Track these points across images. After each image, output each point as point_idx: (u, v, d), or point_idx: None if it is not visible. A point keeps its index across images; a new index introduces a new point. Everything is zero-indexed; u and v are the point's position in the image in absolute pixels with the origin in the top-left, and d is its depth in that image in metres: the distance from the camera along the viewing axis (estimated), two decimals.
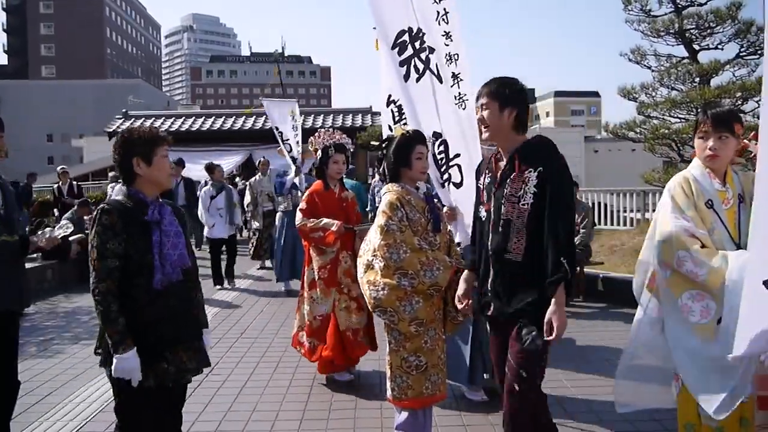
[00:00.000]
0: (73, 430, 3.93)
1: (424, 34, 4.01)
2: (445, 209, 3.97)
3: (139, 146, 2.62)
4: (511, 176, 2.64)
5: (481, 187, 2.84)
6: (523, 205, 2.60)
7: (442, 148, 4.08)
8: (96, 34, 74.96)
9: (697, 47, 11.57)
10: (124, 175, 2.66)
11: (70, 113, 57.75)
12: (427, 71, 4.04)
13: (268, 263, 10.61)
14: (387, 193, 3.28)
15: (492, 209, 2.71)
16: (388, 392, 3.27)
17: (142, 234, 2.55)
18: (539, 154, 2.66)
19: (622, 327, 6.27)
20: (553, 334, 2.49)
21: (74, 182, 13.80)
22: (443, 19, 3.93)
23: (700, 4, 11.37)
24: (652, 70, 11.94)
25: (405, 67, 4.09)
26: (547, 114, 79.14)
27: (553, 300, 2.51)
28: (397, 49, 4.08)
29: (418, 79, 4.08)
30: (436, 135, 4.07)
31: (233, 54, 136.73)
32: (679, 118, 11.55)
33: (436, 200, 3.58)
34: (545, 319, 2.52)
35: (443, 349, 3.28)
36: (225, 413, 4.17)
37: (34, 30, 72.53)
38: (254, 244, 11.33)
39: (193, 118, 18.05)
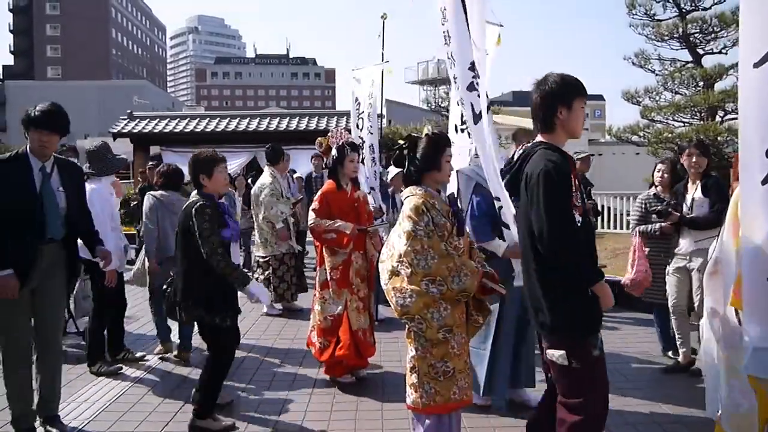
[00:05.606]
0: (75, 430, 3.94)
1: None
2: (509, 245, 3.80)
3: (203, 165, 3.91)
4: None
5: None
6: None
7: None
8: (102, 35, 75.22)
9: (701, 51, 11.58)
10: (198, 183, 3.94)
11: (75, 114, 56.36)
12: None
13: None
14: (411, 197, 3.12)
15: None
16: (411, 399, 3.14)
17: (220, 220, 3.83)
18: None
19: (625, 330, 6.26)
20: None
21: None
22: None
23: (705, 9, 11.40)
24: (656, 74, 11.97)
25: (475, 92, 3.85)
26: None
27: None
28: (472, 73, 3.79)
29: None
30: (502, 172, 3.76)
31: (238, 56, 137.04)
32: (683, 122, 11.56)
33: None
34: None
35: (468, 353, 3.20)
36: (228, 413, 4.18)
37: (40, 31, 72.81)
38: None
39: (198, 119, 18.07)
